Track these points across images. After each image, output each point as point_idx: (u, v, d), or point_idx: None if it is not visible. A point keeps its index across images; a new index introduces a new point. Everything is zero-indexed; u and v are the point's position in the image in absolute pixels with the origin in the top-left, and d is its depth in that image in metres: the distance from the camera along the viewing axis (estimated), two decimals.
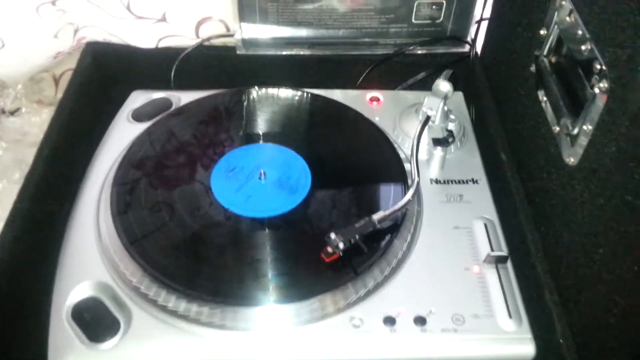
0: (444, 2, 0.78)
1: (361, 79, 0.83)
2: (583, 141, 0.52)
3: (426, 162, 0.67)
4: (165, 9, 0.78)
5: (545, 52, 0.61)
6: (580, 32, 0.52)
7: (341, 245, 0.55)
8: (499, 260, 0.58)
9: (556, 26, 0.59)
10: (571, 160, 0.54)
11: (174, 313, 0.54)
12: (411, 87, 0.82)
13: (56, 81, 0.88)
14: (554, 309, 0.56)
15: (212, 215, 0.61)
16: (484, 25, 0.81)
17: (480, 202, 0.64)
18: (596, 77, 0.49)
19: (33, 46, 0.77)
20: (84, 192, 0.65)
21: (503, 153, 0.69)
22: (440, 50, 0.82)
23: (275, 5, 0.78)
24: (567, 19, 0.55)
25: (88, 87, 0.78)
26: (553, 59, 0.61)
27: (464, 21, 0.80)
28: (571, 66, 0.57)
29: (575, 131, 0.53)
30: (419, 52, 0.82)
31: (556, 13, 0.58)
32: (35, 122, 0.82)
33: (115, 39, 0.81)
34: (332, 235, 0.56)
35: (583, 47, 0.51)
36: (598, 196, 0.50)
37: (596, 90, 0.49)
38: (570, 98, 0.56)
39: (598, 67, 0.48)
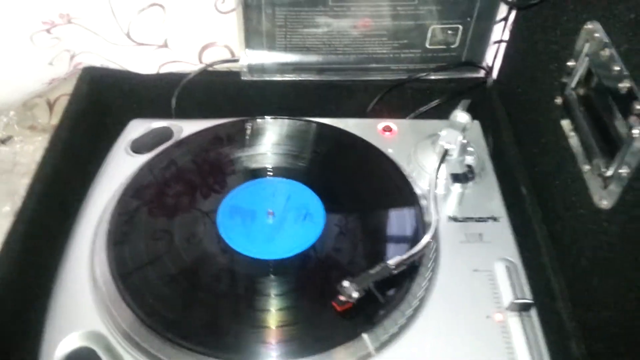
0: (460, 27, 0.74)
1: (372, 105, 0.79)
2: (618, 185, 0.48)
3: (443, 198, 0.64)
4: (167, 35, 0.75)
5: (573, 85, 0.57)
6: (617, 68, 0.48)
7: (355, 295, 0.51)
8: (523, 308, 0.54)
9: (587, 58, 0.55)
10: (604, 203, 0.50)
11: None
12: (425, 115, 0.79)
13: (50, 106, 0.84)
14: None
15: (217, 260, 0.57)
16: (501, 51, 0.77)
17: (501, 242, 0.60)
18: (636, 117, 0.45)
19: (26, 73, 0.74)
20: (77, 231, 0.61)
21: (524, 187, 0.64)
22: (455, 76, 0.79)
23: (283, 30, 0.74)
24: (602, 52, 0.51)
25: (84, 115, 0.74)
26: (581, 91, 0.57)
27: (480, 46, 0.77)
28: (603, 101, 0.52)
29: (610, 173, 0.49)
30: (433, 78, 0.79)
31: (586, 44, 0.55)
32: (28, 151, 0.78)
33: (113, 65, 0.78)
34: (346, 283, 0.52)
35: (620, 85, 0.47)
36: (637, 243, 0.46)
37: (636, 132, 0.44)
38: (602, 135, 0.52)
39: (638, 107, 0.44)
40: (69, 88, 0.77)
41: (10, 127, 0.79)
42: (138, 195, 0.63)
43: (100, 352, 0.51)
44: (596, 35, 0.53)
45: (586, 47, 0.55)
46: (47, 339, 0.53)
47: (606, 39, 0.52)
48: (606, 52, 0.51)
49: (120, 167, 0.67)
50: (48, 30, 0.70)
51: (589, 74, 0.56)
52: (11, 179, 0.74)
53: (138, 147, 0.70)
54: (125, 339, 0.52)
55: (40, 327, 0.54)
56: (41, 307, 0.57)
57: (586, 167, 0.54)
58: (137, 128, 0.73)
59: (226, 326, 0.52)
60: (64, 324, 0.53)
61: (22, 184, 0.65)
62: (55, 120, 0.74)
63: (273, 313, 0.53)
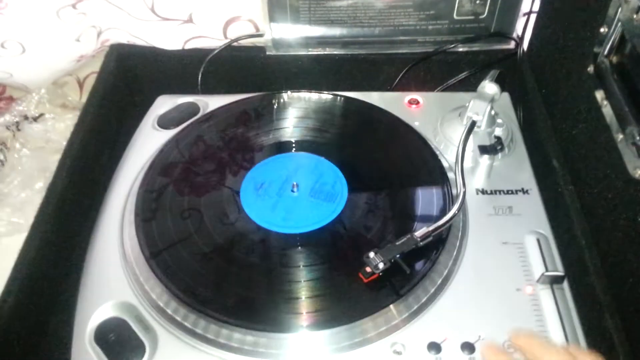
0: None
1: (398, 79, 0.78)
2: None
3: (471, 171, 0.62)
4: (192, 9, 0.75)
5: (605, 52, 0.56)
6: None
7: (381, 266, 0.51)
8: (555, 281, 0.53)
9: (620, 24, 0.53)
10: (638, 172, 0.49)
11: (202, 337, 0.51)
12: (452, 88, 0.77)
13: (80, 85, 0.85)
14: (615, 334, 0.50)
15: (245, 234, 0.58)
16: (531, 21, 0.75)
17: (532, 214, 0.59)
18: None
19: (55, 50, 0.75)
20: (107, 206, 0.62)
21: (555, 160, 0.63)
22: (483, 47, 0.77)
23: (307, 3, 0.73)
24: (635, 17, 0.49)
25: (112, 91, 0.75)
26: (614, 59, 0.55)
27: (509, 16, 0.75)
28: (637, 68, 0.51)
29: None
30: (461, 50, 0.77)
31: (620, 9, 0.53)
32: (59, 128, 0.79)
33: (139, 41, 0.78)
34: (371, 254, 0.51)
35: None
36: None
37: None
38: (636, 103, 0.51)
39: None
40: (97, 66, 0.77)
41: (42, 105, 0.80)
42: (165, 171, 0.63)
43: (131, 323, 0.52)
44: None
45: (619, 12, 0.53)
46: (80, 310, 0.54)
47: (639, 2, 0.50)
48: None
49: (148, 142, 0.68)
50: (74, 5, 0.71)
51: (622, 41, 0.54)
52: (43, 156, 0.75)
53: (165, 122, 0.70)
54: (155, 309, 0.52)
55: (73, 299, 0.55)
56: (74, 280, 0.58)
57: (620, 136, 0.52)
58: (164, 104, 0.73)
59: (255, 298, 0.52)
60: (96, 295, 0.54)
61: (53, 160, 0.65)
62: (85, 98, 0.75)
63: (301, 284, 0.53)
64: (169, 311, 0.52)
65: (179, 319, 0.51)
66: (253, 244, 0.57)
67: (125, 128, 0.74)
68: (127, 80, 0.79)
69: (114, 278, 0.55)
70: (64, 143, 0.67)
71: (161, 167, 0.64)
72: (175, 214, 0.59)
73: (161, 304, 0.52)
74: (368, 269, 0.51)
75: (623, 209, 0.52)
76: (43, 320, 0.58)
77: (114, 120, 0.75)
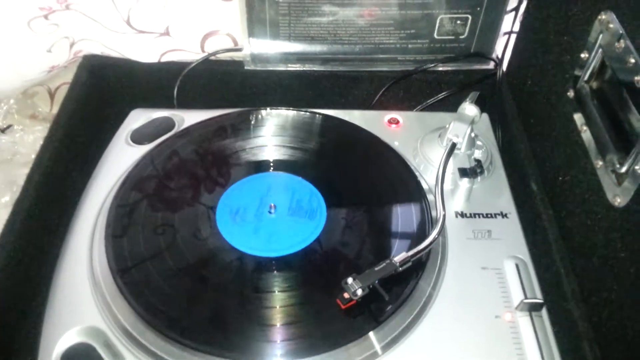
0: (469, 17, 0.72)
1: (377, 97, 0.77)
2: (633, 182, 0.46)
3: (450, 193, 0.62)
4: (169, 22, 0.73)
5: (586, 78, 0.56)
6: (632, 61, 0.47)
7: (359, 292, 0.50)
8: (534, 308, 0.53)
9: (601, 50, 0.53)
10: (618, 200, 0.49)
11: None
12: (431, 107, 0.77)
13: (51, 95, 0.83)
14: None
15: (219, 257, 0.56)
16: (511, 42, 0.75)
17: (511, 239, 0.58)
18: None
19: (25, 60, 0.72)
20: (77, 223, 0.60)
21: (534, 183, 0.63)
22: (463, 67, 0.77)
23: (287, 18, 0.72)
24: (616, 44, 0.49)
25: (84, 104, 0.72)
26: (595, 85, 0.55)
27: (489, 37, 0.75)
28: (617, 95, 0.51)
29: (624, 169, 0.48)
30: (441, 69, 0.77)
31: (600, 36, 0.53)
32: (28, 140, 0.76)
33: (114, 54, 0.76)
34: (350, 280, 0.50)
35: (636, 78, 0.46)
36: None
37: None
38: (617, 130, 0.51)
39: None
40: (69, 77, 0.75)
41: (11, 116, 0.78)
42: (138, 187, 0.61)
43: (99, 349, 0.50)
44: (611, 25, 0.52)
45: (600, 39, 0.54)
46: (46, 335, 0.52)
47: (621, 30, 0.50)
48: (621, 44, 0.50)
49: (121, 158, 0.66)
50: (46, 17, 0.68)
51: (602, 67, 0.54)
52: (11, 169, 0.73)
53: (139, 137, 0.68)
54: (125, 335, 0.50)
55: (39, 322, 0.53)
56: (40, 300, 0.56)
57: (599, 163, 0.52)
58: (138, 118, 0.71)
59: (227, 323, 0.51)
60: (63, 319, 0.52)
61: (21, 174, 0.63)
62: (56, 109, 0.72)
63: (276, 311, 0.51)
64: (138, 336, 0.50)
65: (148, 345, 0.49)
66: (227, 267, 0.55)
67: (97, 142, 0.72)
68: (100, 92, 0.77)
69: (82, 301, 0.53)
70: (33, 156, 0.64)
71: (135, 183, 0.62)
72: (147, 232, 0.57)
73: (130, 329, 0.50)
74: (346, 295, 0.50)
75: (602, 235, 0.52)
76: (6, 345, 0.56)
77: (86, 134, 0.72)
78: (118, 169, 0.64)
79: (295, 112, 0.71)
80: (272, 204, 0.59)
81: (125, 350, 0.50)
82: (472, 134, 0.63)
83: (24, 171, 0.63)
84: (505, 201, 0.62)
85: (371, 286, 0.50)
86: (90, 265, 0.55)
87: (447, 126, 0.63)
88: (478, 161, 0.62)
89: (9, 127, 0.76)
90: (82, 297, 0.53)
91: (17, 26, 0.68)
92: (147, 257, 0.55)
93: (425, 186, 0.62)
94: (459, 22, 0.73)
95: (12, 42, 0.69)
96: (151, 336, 0.50)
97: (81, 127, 0.71)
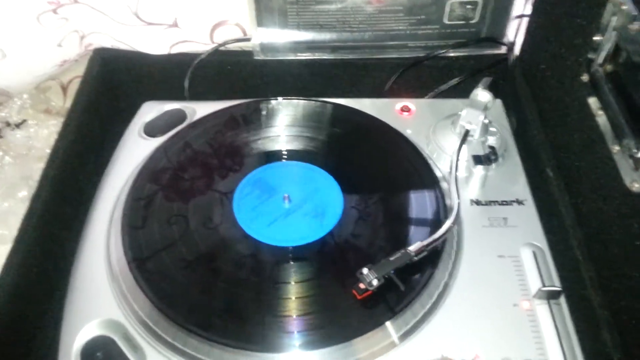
0: (480, 0, 0.71)
1: (389, 84, 0.77)
2: None
3: (465, 181, 0.62)
4: (177, 14, 0.73)
5: (600, 61, 0.55)
6: None
7: (375, 282, 0.50)
8: (552, 296, 0.52)
9: (614, 32, 0.52)
10: (635, 186, 0.48)
11: (192, 357, 0.49)
12: (443, 94, 0.76)
13: (64, 89, 0.83)
14: (613, 350, 0.50)
15: (237, 248, 0.56)
16: (523, 26, 0.74)
17: (527, 226, 0.58)
18: None
19: (36, 55, 0.72)
20: (93, 216, 0.60)
21: (549, 169, 0.62)
22: (474, 53, 0.76)
23: (295, 7, 0.72)
24: (630, 26, 0.49)
25: (96, 97, 0.73)
26: (609, 68, 0.55)
27: (500, 21, 0.74)
28: (633, 77, 0.50)
29: None
30: (452, 55, 0.76)
31: (614, 17, 0.52)
32: (42, 135, 0.77)
33: (124, 46, 0.76)
34: (365, 271, 0.50)
35: None
36: None
37: None
38: (633, 114, 0.50)
39: None
40: (81, 70, 0.75)
41: (25, 111, 0.78)
42: (152, 180, 0.62)
43: (118, 341, 0.50)
44: (624, 7, 0.51)
45: (613, 21, 0.53)
46: (66, 328, 0.52)
47: (635, 11, 0.49)
48: (635, 26, 0.49)
49: (134, 150, 0.66)
50: (54, 11, 0.68)
51: (616, 49, 0.53)
52: (26, 164, 0.73)
53: (151, 130, 0.69)
54: (143, 327, 0.51)
55: (59, 316, 0.54)
56: (59, 294, 0.56)
57: (616, 148, 0.51)
58: (150, 110, 0.71)
59: (244, 315, 0.51)
60: (82, 312, 0.53)
61: (37, 168, 0.63)
62: (69, 103, 0.73)
63: (292, 301, 0.52)
64: (157, 329, 0.50)
65: (166, 337, 0.50)
66: (244, 257, 0.55)
67: (110, 134, 0.72)
68: (112, 86, 0.77)
69: (101, 294, 0.53)
70: (48, 150, 0.65)
71: (149, 175, 0.62)
72: (163, 223, 0.58)
73: (149, 322, 0.51)
74: (362, 286, 0.50)
75: (619, 221, 0.51)
76: (27, 339, 0.57)
77: (99, 127, 0.72)
78: (132, 161, 0.65)
79: (306, 101, 0.70)
80: (288, 194, 0.59)
81: (143, 342, 0.50)
82: (486, 121, 0.62)
83: (40, 165, 0.63)
84: (520, 188, 0.61)
85: (387, 276, 0.50)
86: (107, 258, 0.56)
87: (460, 113, 0.62)
88: (492, 148, 0.62)
89: (23, 122, 0.76)
90: (101, 290, 0.54)
91: (27, 21, 0.68)
92: (163, 249, 0.56)
93: (439, 174, 0.62)
94: (469, 6, 0.72)
95: (23, 37, 0.70)
96: (169, 328, 0.50)
97: (94, 120, 0.71)
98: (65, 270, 0.58)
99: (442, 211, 0.58)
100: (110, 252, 0.56)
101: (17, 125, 0.77)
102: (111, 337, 0.51)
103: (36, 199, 0.59)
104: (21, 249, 0.56)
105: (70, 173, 0.65)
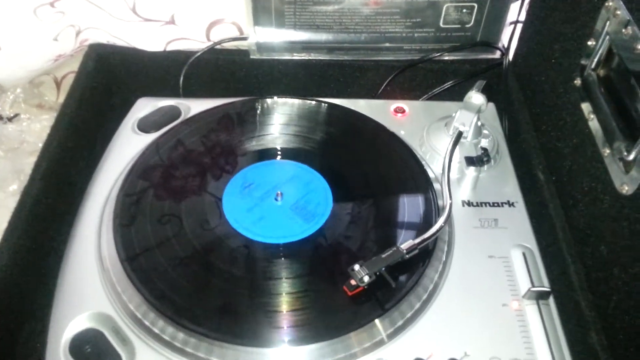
0: (475, 5, 0.72)
1: (383, 86, 0.77)
2: None
3: (457, 182, 0.62)
4: (174, 11, 0.73)
5: (593, 66, 0.55)
6: None
7: (366, 279, 0.50)
8: (541, 296, 0.53)
9: (608, 37, 0.53)
10: (625, 189, 0.49)
11: (180, 350, 0.49)
12: (437, 97, 0.77)
13: (58, 84, 0.83)
14: (601, 351, 0.50)
15: (226, 243, 0.56)
16: (517, 30, 0.75)
17: (517, 227, 0.58)
18: None
19: (31, 49, 0.72)
20: (84, 211, 0.60)
21: (540, 172, 0.63)
22: (469, 56, 0.77)
23: (292, 7, 0.72)
24: (623, 30, 0.49)
25: (90, 92, 0.73)
26: (602, 72, 0.55)
27: (495, 26, 0.74)
28: (625, 82, 0.51)
29: (631, 157, 0.48)
30: (446, 58, 0.77)
31: (607, 23, 0.53)
32: (35, 129, 0.77)
33: (120, 42, 0.76)
34: (356, 267, 0.50)
35: None
36: None
37: None
38: (624, 118, 0.51)
39: None
40: (76, 65, 0.75)
41: (17, 105, 0.78)
42: (145, 176, 0.62)
43: (107, 334, 0.50)
44: (618, 12, 0.51)
45: (607, 26, 0.53)
46: (55, 321, 0.52)
47: (628, 17, 0.50)
48: (628, 31, 0.49)
49: (127, 146, 0.66)
50: (51, 4, 0.68)
51: (609, 54, 0.54)
52: (18, 158, 0.73)
53: (145, 126, 0.69)
54: (133, 320, 0.51)
55: (48, 309, 0.53)
56: (49, 288, 0.56)
57: (606, 151, 0.52)
58: (144, 107, 0.71)
59: (236, 310, 0.51)
60: (72, 305, 0.52)
61: (28, 162, 0.63)
62: (62, 98, 0.73)
63: (283, 297, 0.52)
64: (147, 322, 0.50)
65: (156, 330, 0.50)
66: (234, 253, 0.55)
67: (103, 130, 0.72)
68: (106, 81, 0.77)
69: (91, 287, 0.53)
70: (40, 145, 0.65)
71: (142, 171, 0.62)
72: (154, 220, 0.58)
73: (138, 315, 0.51)
74: (353, 282, 0.50)
75: (609, 224, 0.52)
76: (14, 330, 0.56)
77: (92, 122, 0.72)
78: (125, 157, 0.64)
79: (301, 100, 0.71)
80: (279, 192, 0.59)
81: (133, 335, 0.50)
82: (479, 123, 0.63)
83: (31, 160, 0.63)
84: (511, 190, 0.62)
85: (378, 273, 0.51)
86: (98, 252, 0.56)
87: (454, 115, 0.63)
88: (485, 150, 0.62)
89: (16, 116, 0.76)
90: (91, 284, 0.53)
91: (24, 14, 0.68)
92: (154, 244, 0.55)
93: (431, 175, 0.62)
94: (465, 10, 0.73)
95: (19, 30, 0.69)
96: (158, 321, 0.50)
97: (87, 115, 0.71)
98: (55, 263, 0.58)
99: (434, 212, 0.58)
100: (101, 245, 0.56)
101: (10, 119, 0.77)
102: (100, 330, 0.51)
103: (27, 192, 0.59)
104: (10, 242, 0.55)
105: (62, 167, 0.64)
